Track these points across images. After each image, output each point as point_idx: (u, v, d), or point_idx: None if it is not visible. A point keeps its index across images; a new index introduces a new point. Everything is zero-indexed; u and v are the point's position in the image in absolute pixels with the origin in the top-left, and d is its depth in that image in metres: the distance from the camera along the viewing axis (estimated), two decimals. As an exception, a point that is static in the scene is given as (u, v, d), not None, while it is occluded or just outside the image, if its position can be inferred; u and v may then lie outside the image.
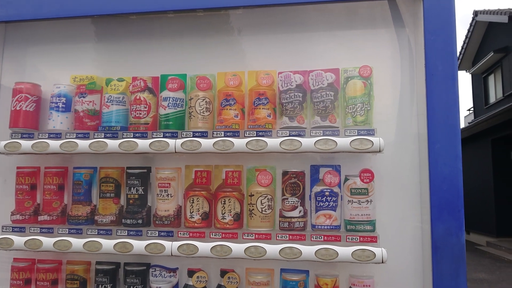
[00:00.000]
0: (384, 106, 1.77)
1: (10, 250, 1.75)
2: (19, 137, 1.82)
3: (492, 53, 11.76)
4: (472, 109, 15.05)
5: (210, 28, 1.92)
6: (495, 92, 12.50)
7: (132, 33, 1.98)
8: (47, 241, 1.71)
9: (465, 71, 14.78)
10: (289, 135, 1.64)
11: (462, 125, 17.03)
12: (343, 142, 1.59)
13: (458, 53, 14.13)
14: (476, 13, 12.53)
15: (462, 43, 14.00)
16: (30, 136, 1.81)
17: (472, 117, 14.79)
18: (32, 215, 1.82)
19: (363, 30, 1.86)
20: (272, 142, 1.63)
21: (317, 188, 1.68)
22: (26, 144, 1.78)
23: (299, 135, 1.64)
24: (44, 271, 1.80)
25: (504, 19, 10.73)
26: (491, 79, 12.85)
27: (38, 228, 1.77)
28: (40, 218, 1.82)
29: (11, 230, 1.79)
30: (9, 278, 1.83)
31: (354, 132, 1.62)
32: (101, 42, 2.03)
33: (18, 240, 1.73)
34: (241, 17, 1.91)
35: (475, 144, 11.78)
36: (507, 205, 10.36)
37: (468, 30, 13.39)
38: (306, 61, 1.82)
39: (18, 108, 1.85)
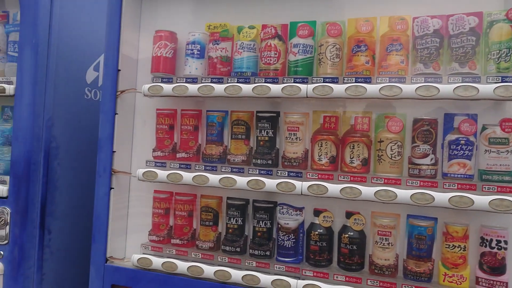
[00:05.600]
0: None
1: (155, 182, 1.97)
2: (160, 81, 1.99)
3: None
4: None
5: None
6: None
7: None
8: (186, 176, 1.89)
9: None
10: (425, 82, 1.61)
11: None
12: (485, 89, 1.53)
13: None
14: None
15: None
16: (169, 81, 1.98)
17: None
18: (171, 152, 2.02)
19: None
20: (407, 89, 1.61)
21: (451, 137, 1.65)
22: (167, 87, 1.95)
23: (435, 82, 1.60)
24: (182, 203, 2.01)
25: None
26: None
27: (177, 164, 1.96)
28: (178, 155, 2.01)
29: (154, 165, 2.00)
30: (151, 206, 2.08)
31: (497, 79, 1.55)
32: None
33: (161, 173, 1.94)
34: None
35: None
36: None
37: None
38: (440, 5, 1.75)
39: (159, 54, 2.02)
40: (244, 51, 1.92)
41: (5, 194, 2.19)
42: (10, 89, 2.22)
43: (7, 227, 2.18)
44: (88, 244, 2.31)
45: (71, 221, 2.43)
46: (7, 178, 2.22)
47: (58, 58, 2.31)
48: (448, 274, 1.63)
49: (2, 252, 2.18)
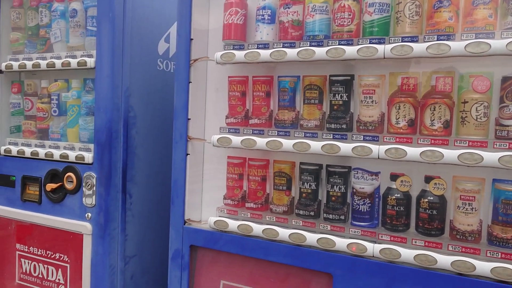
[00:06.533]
0: None
1: (229, 148, 2.02)
2: (231, 48, 2.01)
3: None
4: None
5: None
6: None
7: None
8: (260, 141, 1.92)
9: None
10: (517, 36, 1.50)
11: None
12: None
13: None
14: None
15: None
16: (241, 48, 1.99)
17: None
18: (243, 118, 2.05)
19: None
20: (497, 45, 1.51)
21: (546, 95, 1.53)
22: (239, 54, 1.97)
23: (529, 36, 1.48)
24: (256, 168, 2.05)
25: None
26: None
27: (250, 130, 1.99)
28: (251, 121, 2.03)
29: (227, 131, 2.04)
30: (224, 172, 2.14)
31: None
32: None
33: (235, 139, 1.98)
34: None
35: None
36: None
37: None
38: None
39: (230, 22, 2.03)
40: (316, 13, 1.88)
41: (90, 160, 2.36)
42: (90, 62, 2.35)
43: (94, 191, 2.35)
44: (165, 208, 2.45)
45: (149, 186, 2.57)
46: (91, 146, 2.38)
47: (133, 31, 2.41)
48: (538, 241, 1.55)
49: (90, 214, 2.36)
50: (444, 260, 1.59)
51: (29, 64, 2.57)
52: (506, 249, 1.56)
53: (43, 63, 2.52)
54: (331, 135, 1.81)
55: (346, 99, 1.84)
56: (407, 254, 1.65)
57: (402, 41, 1.66)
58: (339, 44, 1.78)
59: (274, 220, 1.96)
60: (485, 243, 1.65)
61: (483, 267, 1.53)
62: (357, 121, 1.82)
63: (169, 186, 2.18)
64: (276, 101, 2.03)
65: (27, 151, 2.58)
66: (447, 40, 1.59)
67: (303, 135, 1.87)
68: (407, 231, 1.77)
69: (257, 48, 1.95)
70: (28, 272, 2.61)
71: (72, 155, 2.42)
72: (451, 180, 1.71)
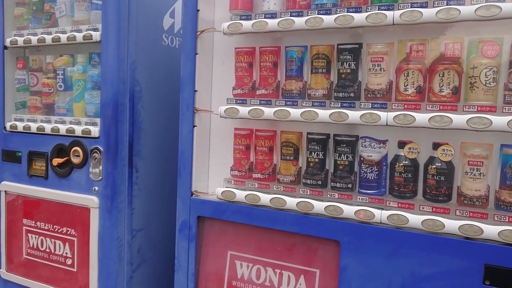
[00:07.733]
0: None
1: (236, 118, 2.02)
2: (238, 19, 2.00)
3: None
4: None
5: None
6: None
7: None
8: (268, 111, 1.92)
9: None
10: (528, -1, 1.49)
11: None
12: None
13: None
14: None
15: None
16: (248, 18, 1.98)
17: None
18: (250, 89, 2.05)
19: None
20: (508, 8, 1.50)
21: (556, 59, 1.53)
22: (246, 24, 1.96)
23: (540, -2, 1.48)
24: (263, 138, 2.05)
25: None
26: None
27: (258, 100, 1.99)
28: (258, 92, 2.03)
29: (234, 102, 2.04)
30: (231, 145, 2.15)
31: None
32: None
33: (242, 109, 1.98)
34: None
35: None
36: None
37: None
38: None
39: (237, -9, 2.03)
40: (324, -19, 1.87)
41: (97, 134, 2.37)
42: (96, 35, 2.34)
43: (100, 165, 2.36)
44: (171, 183, 2.46)
45: (155, 161, 2.58)
46: (97, 120, 2.39)
47: (138, 5, 2.39)
48: (546, 205, 1.56)
49: (97, 188, 2.37)
50: (451, 224, 1.60)
51: (34, 39, 2.56)
52: (513, 213, 1.58)
53: (48, 38, 2.51)
54: (339, 103, 1.82)
55: (354, 68, 1.84)
56: (414, 219, 1.66)
57: (411, 7, 1.66)
58: (347, 12, 1.77)
59: (282, 189, 1.97)
60: (492, 208, 1.66)
61: (490, 230, 1.54)
62: (365, 89, 1.82)
63: (175, 160, 2.19)
64: (283, 72, 2.02)
65: (33, 126, 2.59)
66: (457, 4, 1.59)
67: (310, 105, 1.87)
68: (414, 198, 1.78)
69: (265, 17, 1.94)
70: (35, 247, 2.63)
71: (78, 130, 2.42)
72: (459, 147, 1.71)
